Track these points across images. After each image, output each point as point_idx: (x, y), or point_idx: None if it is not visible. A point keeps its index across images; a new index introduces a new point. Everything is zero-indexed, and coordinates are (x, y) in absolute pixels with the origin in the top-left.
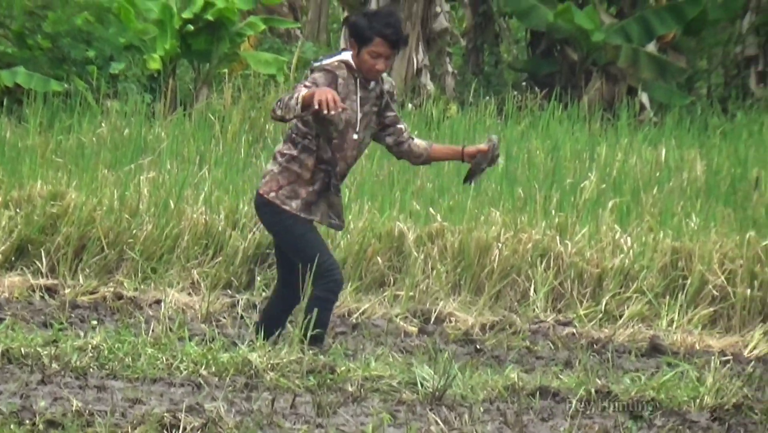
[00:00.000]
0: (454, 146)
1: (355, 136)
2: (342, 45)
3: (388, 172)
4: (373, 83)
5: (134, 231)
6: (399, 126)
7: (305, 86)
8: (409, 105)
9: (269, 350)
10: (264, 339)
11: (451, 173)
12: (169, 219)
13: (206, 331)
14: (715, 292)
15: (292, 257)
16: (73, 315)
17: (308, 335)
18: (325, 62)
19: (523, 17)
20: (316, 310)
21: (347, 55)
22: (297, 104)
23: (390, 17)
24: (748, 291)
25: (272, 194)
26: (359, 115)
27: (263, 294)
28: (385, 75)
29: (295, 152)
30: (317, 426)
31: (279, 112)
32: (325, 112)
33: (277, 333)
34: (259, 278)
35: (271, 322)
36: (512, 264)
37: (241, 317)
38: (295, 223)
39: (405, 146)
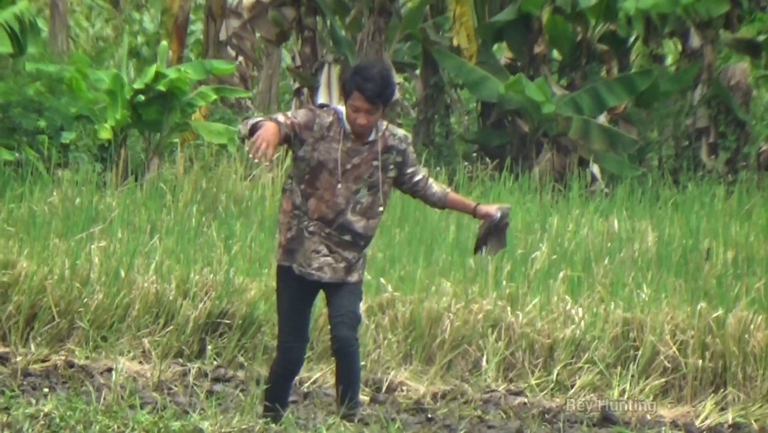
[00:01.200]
0: (469, 201)
1: (339, 186)
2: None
3: None
4: (371, 137)
5: (85, 300)
6: (415, 179)
7: (285, 115)
8: None
9: (220, 418)
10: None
11: (402, 243)
12: (120, 288)
13: (158, 399)
14: (666, 362)
15: None
16: (24, 383)
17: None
18: (323, 109)
19: (474, 88)
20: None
21: (341, 107)
22: (246, 129)
23: (369, 70)
24: (700, 362)
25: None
26: (341, 165)
27: (214, 363)
28: (398, 130)
29: (282, 199)
30: None
31: (242, 130)
32: (250, 155)
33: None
34: (210, 347)
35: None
36: (463, 334)
37: (192, 385)
38: (280, 274)
39: (420, 194)
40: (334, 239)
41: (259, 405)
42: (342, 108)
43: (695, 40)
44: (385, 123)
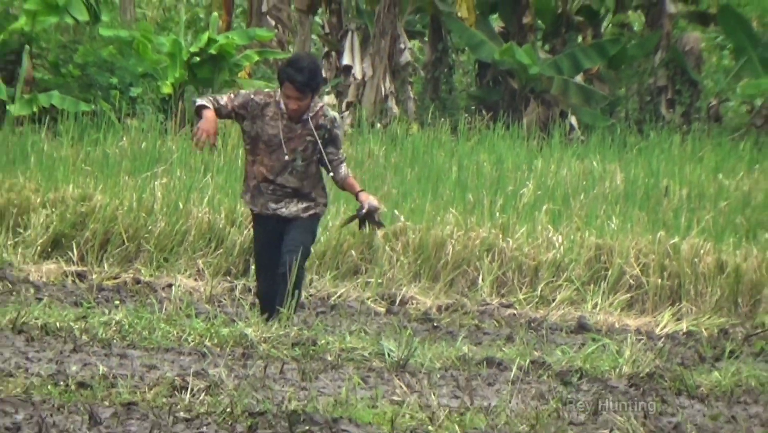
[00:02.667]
0: (358, 187)
1: (286, 157)
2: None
3: (360, 181)
4: (305, 117)
5: (149, 227)
6: (330, 158)
7: (228, 97)
8: (378, 125)
9: (262, 326)
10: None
11: (413, 181)
12: (178, 218)
13: (209, 310)
14: (631, 281)
15: None
16: (99, 296)
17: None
18: (259, 93)
19: (474, 50)
20: None
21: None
22: (194, 109)
23: (300, 63)
24: (659, 280)
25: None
26: (282, 139)
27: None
28: (330, 112)
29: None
30: (302, 389)
31: (192, 107)
32: (193, 139)
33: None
34: (253, 267)
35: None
36: (463, 257)
37: (238, 298)
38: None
39: (329, 170)
40: (278, 193)
41: (294, 314)
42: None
43: (657, 13)
44: (320, 104)
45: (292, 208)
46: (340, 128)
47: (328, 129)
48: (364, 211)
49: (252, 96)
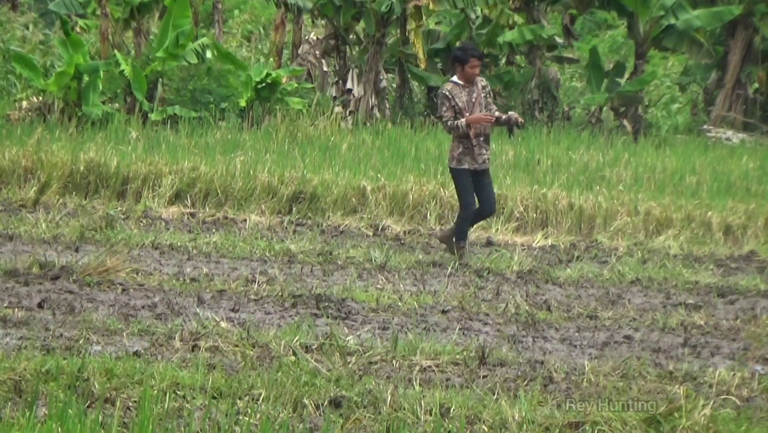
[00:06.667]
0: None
1: (472, 114)
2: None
3: (358, 158)
4: (475, 84)
5: (233, 186)
6: (490, 103)
7: (449, 109)
8: (367, 124)
9: (300, 243)
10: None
11: (388, 157)
12: (250, 180)
13: (269, 234)
14: (518, 215)
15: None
16: (203, 227)
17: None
18: (442, 90)
19: (425, 80)
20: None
21: (454, 78)
22: (461, 127)
23: (472, 46)
24: (534, 214)
25: (448, 159)
26: (468, 104)
27: (297, 216)
28: (478, 78)
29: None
30: (323, 281)
31: (452, 132)
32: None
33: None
34: (295, 209)
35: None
36: (419, 201)
37: (285, 227)
38: (457, 171)
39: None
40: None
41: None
42: (453, 78)
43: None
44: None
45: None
46: (489, 87)
47: (486, 88)
48: (504, 118)
49: (444, 92)
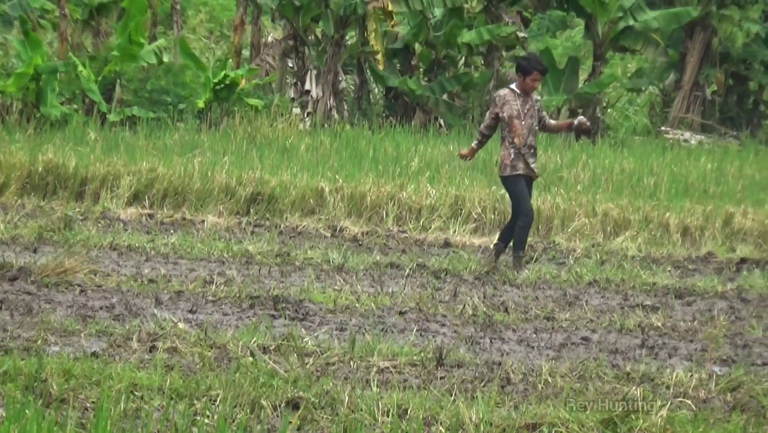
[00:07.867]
0: (564, 121)
1: (522, 123)
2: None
3: (315, 159)
4: (530, 96)
5: (191, 186)
6: (543, 116)
7: (491, 114)
8: (326, 125)
9: (258, 244)
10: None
11: (346, 158)
12: (207, 181)
13: (227, 235)
14: (475, 216)
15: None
16: (161, 228)
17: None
18: (496, 93)
19: (383, 80)
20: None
21: (513, 85)
22: (476, 138)
23: (539, 60)
24: (492, 216)
25: (500, 169)
26: (521, 113)
27: (255, 217)
28: (534, 93)
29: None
30: (281, 282)
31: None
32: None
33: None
34: (252, 210)
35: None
36: (377, 203)
37: (244, 228)
38: (510, 178)
39: (543, 124)
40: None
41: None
42: (512, 86)
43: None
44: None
45: (533, 167)
46: (540, 102)
47: (538, 101)
48: (576, 124)
49: (498, 95)
